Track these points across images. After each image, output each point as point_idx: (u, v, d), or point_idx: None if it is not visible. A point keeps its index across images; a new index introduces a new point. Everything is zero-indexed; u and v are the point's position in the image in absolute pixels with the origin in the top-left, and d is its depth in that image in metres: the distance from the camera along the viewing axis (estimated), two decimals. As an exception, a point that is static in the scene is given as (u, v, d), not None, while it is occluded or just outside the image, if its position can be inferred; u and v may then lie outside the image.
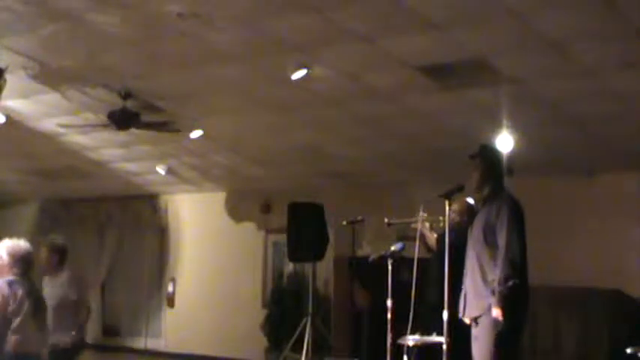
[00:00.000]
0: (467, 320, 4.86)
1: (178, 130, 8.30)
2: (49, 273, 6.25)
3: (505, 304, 4.57)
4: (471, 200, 6.49)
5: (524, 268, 4.72)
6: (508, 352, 4.69)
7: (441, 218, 6.32)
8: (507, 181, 5.07)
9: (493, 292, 4.62)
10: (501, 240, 4.67)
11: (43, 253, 6.25)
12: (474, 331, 4.79)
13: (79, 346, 6.25)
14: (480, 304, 4.74)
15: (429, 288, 6.00)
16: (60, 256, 6.30)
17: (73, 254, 13.38)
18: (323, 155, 9.27)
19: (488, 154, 5.11)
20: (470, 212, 6.39)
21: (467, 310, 4.85)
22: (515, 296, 4.60)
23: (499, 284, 4.59)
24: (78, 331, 6.16)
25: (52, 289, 6.13)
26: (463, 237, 5.13)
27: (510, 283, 4.57)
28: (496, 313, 4.59)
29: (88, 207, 12.99)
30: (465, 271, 4.92)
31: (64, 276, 6.25)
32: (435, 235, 6.40)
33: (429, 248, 6.51)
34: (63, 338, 6.02)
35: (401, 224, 6.78)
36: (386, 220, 6.63)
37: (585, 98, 6.77)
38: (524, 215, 4.82)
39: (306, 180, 10.24)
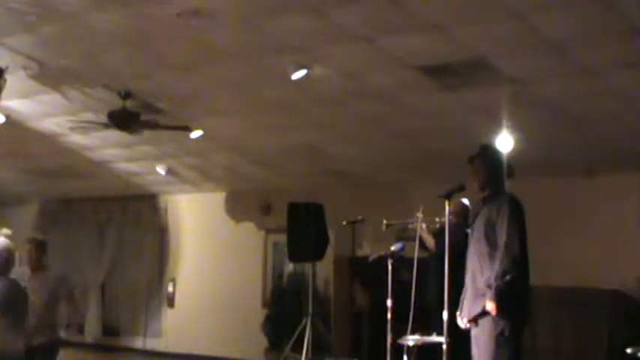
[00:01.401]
0: (464, 321, 4.85)
1: (186, 127, 8.29)
2: (33, 270, 6.26)
3: (500, 298, 4.56)
4: (466, 201, 6.52)
5: (524, 267, 4.72)
6: (508, 353, 4.68)
7: (437, 220, 6.34)
8: (507, 182, 5.07)
9: (490, 287, 4.61)
10: (501, 238, 4.67)
11: (30, 250, 6.25)
12: (474, 331, 4.79)
13: (57, 345, 6.28)
14: (480, 304, 4.74)
15: (426, 288, 6.01)
16: (44, 253, 6.31)
17: (73, 254, 13.49)
18: (323, 155, 9.26)
19: (489, 154, 5.11)
20: (465, 213, 6.43)
21: (467, 310, 4.84)
22: (512, 291, 4.59)
23: (496, 279, 4.59)
24: (54, 330, 6.20)
25: (36, 286, 6.13)
26: (460, 238, 5.14)
27: (508, 277, 4.57)
28: (490, 306, 4.58)
29: (88, 207, 12.99)
30: (466, 270, 4.92)
31: (50, 273, 6.26)
32: (434, 239, 6.41)
33: (426, 249, 6.52)
34: (46, 336, 6.07)
35: (399, 225, 6.79)
36: (385, 221, 6.64)
37: (585, 98, 6.77)
38: (524, 214, 4.82)
39: (306, 180, 10.24)
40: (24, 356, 5.44)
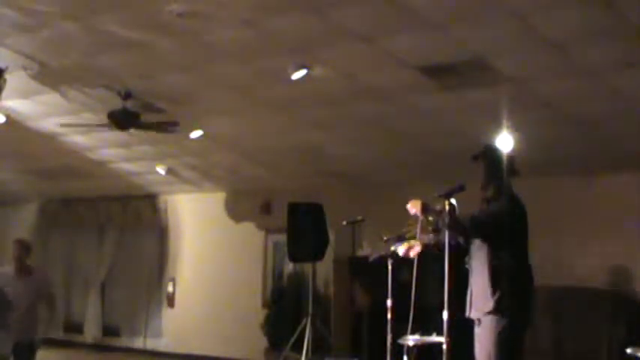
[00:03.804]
0: (472, 316, 4.87)
1: (176, 131, 8.30)
2: (21, 271, 6.30)
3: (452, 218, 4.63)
4: (453, 201, 6.50)
5: (525, 266, 4.76)
6: (509, 351, 4.69)
7: (430, 219, 6.32)
8: (511, 181, 5.08)
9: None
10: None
11: (17, 252, 6.30)
12: (477, 329, 4.81)
13: (36, 344, 6.38)
14: (482, 305, 4.75)
15: (426, 288, 6.00)
16: (28, 255, 6.39)
17: (73, 254, 13.49)
18: (323, 155, 9.27)
19: (491, 154, 5.12)
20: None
21: (472, 310, 4.86)
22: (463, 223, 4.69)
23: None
24: (35, 329, 6.30)
25: (21, 288, 6.18)
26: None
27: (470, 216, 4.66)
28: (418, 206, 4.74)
29: (88, 207, 12.99)
30: (470, 271, 4.94)
31: (37, 274, 6.32)
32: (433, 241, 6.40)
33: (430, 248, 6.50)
34: (36, 334, 6.16)
35: (397, 237, 6.76)
36: (384, 237, 6.59)
37: (585, 98, 6.77)
38: (524, 214, 4.84)
39: (306, 180, 10.24)
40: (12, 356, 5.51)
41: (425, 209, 4.79)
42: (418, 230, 6.27)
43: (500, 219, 4.74)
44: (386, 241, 6.54)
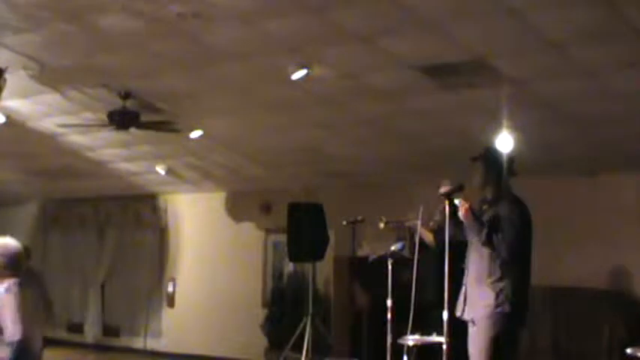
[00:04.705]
0: (464, 316, 4.87)
1: (178, 130, 8.30)
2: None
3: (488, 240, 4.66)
4: (456, 201, 6.50)
5: (524, 267, 4.75)
6: (505, 353, 4.70)
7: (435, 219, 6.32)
8: (509, 182, 5.08)
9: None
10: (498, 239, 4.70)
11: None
12: (471, 331, 4.81)
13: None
14: (479, 305, 4.76)
15: (425, 287, 6.02)
16: (28, 259, 6.38)
17: (73, 254, 13.48)
18: (323, 155, 9.27)
19: (490, 155, 5.13)
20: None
21: (467, 310, 4.86)
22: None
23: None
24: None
25: (27, 290, 6.19)
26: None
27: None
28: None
29: (88, 207, 12.99)
30: (465, 271, 4.95)
31: (35, 277, 6.32)
32: (433, 235, 6.40)
33: (425, 247, 6.50)
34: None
35: (397, 222, 6.75)
36: (383, 219, 6.58)
37: (585, 98, 6.77)
38: (528, 217, 4.85)
39: (306, 180, 10.24)
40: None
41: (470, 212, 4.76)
42: (419, 222, 6.27)
43: (521, 236, 4.75)
44: (386, 223, 6.53)
